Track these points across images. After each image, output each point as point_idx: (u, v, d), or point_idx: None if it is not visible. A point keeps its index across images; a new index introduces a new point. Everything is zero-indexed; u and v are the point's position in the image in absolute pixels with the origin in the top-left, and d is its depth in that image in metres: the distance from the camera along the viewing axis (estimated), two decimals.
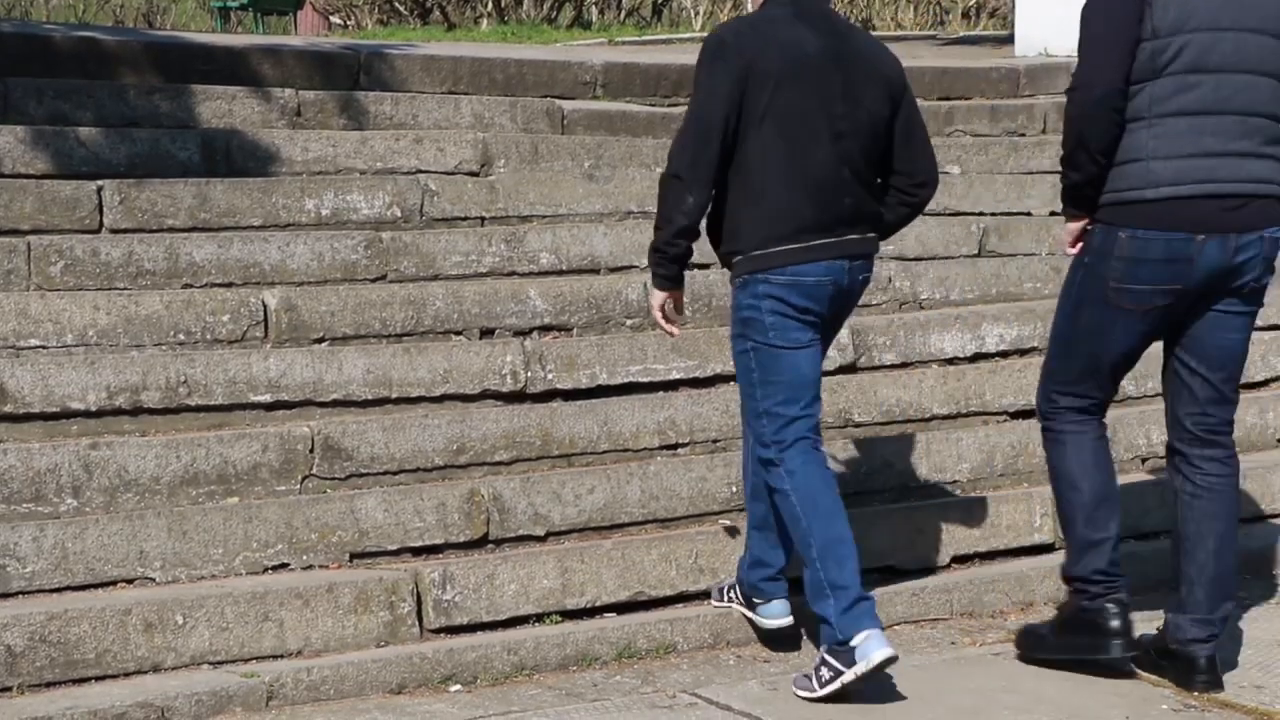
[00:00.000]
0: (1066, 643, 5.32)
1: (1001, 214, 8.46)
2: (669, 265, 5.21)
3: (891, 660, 4.93)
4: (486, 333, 6.52)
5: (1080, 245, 5.25)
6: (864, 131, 5.12)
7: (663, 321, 5.28)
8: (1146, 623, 5.37)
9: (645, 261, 7.22)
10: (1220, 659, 5.23)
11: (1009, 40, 12.20)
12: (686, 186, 5.04)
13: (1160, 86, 5.00)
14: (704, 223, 5.23)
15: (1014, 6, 11.59)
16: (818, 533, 5.03)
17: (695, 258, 7.27)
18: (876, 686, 4.97)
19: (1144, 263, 5.07)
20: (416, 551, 5.60)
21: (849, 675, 4.91)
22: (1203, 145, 5.01)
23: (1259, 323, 7.97)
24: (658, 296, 5.26)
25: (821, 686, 4.95)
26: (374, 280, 6.64)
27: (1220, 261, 5.06)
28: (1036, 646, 5.41)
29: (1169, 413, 5.34)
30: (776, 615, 5.41)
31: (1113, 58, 5.00)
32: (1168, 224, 5.03)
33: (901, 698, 5.03)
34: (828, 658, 4.95)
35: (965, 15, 25.99)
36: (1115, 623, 5.21)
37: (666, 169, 5.11)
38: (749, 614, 5.50)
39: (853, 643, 4.91)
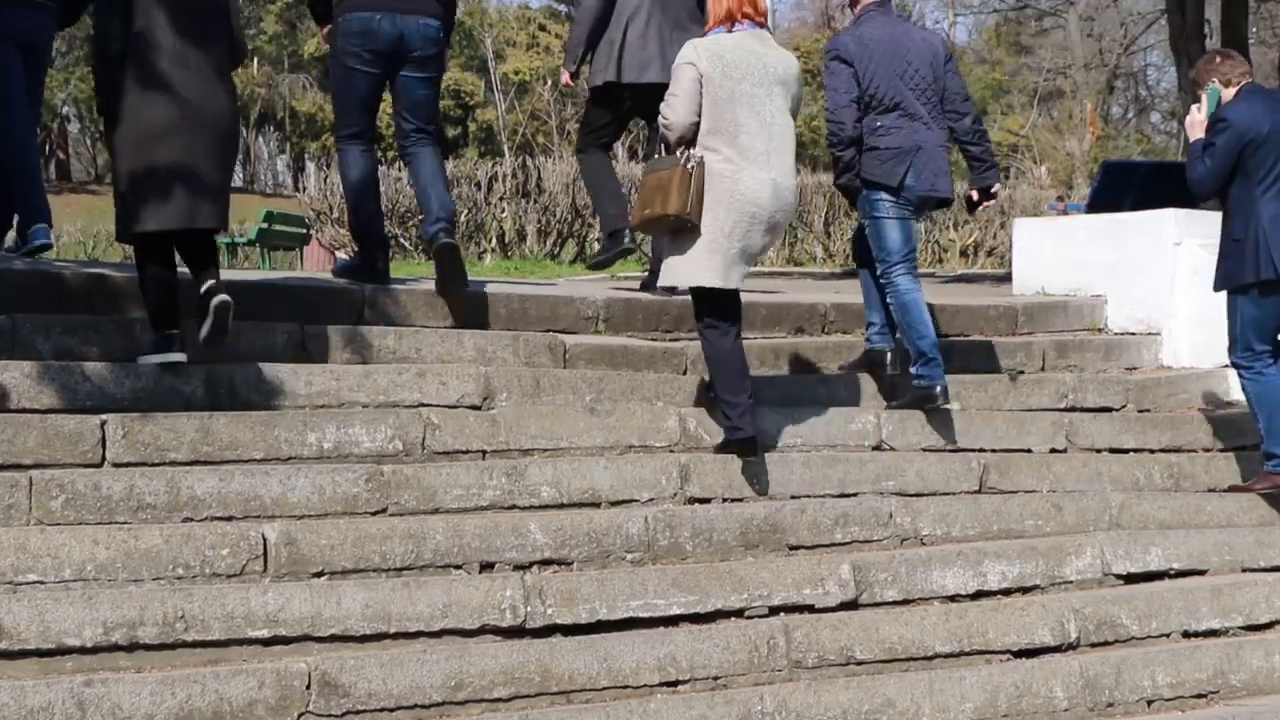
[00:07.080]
0: None
1: (1002, 450, 8.48)
2: None
3: None
4: (486, 566, 6.49)
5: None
6: None
7: None
8: None
9: (645, 495, 7.25)
10: None
11: (1006, 279, 12.35)
12: None
13: None
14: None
15: (1012, 246, 11.76)
16: None
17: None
18: None
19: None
20: None
21: None
22: None
23: (1261, 564, 8.01)
24: None
25: None
26: (374, 513, 6.64)
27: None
28: None
29: None
30: None
31: None
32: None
33: None
34: None
35: (963, 254, 26.32)
36: None
37: None
38: None
39: None
